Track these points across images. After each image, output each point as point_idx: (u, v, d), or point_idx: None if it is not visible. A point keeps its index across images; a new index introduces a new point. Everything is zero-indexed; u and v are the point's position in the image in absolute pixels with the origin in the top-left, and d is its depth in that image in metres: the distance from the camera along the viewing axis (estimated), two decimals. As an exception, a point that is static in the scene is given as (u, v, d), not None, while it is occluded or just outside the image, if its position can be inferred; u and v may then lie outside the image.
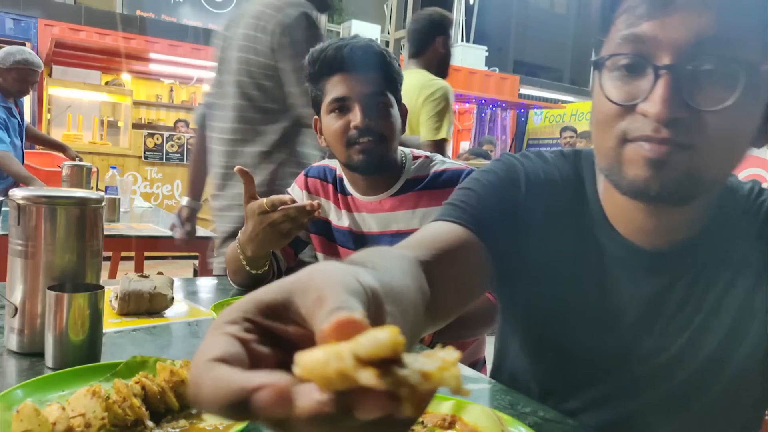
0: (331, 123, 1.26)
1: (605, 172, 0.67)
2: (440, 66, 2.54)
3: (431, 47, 2.51)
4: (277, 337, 0.29)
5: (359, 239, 1.36)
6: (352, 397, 0.24)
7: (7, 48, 3.17)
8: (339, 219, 1.38)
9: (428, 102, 2.38)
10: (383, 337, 0.25)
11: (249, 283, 1.34)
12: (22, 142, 3.37)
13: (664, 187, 0.60)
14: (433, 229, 0.74)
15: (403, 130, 1.34)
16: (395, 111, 1.28)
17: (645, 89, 0.60)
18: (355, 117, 1.21)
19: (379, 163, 1.25)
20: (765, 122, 0.62)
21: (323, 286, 0.29)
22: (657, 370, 0.73)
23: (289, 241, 1.25)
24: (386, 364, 0.24)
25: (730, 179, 0.74)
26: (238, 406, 0.24)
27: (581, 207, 0.77)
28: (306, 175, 1.44)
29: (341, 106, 1.23)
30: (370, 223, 1.34)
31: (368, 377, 0.24)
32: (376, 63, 1.23)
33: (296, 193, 1.44)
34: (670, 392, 0.73)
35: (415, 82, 2.41)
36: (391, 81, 1.27)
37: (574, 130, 7.00)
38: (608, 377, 0.76)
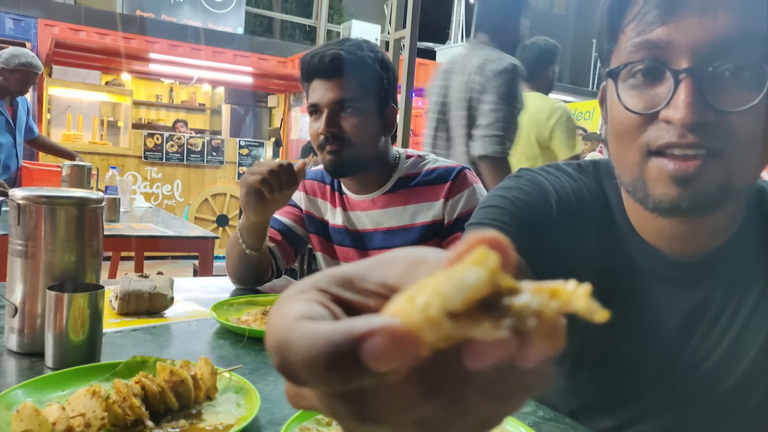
0: (309, 126, 1.33)
1: (629, 189, 0.65)
2: (549, 87, 2.92)
3: (544, 73, 2.86)
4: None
5: (354, 237, 1.38)
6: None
7: (11, 49, 3.23)
8: (335, 218, 1.41)
9: (559, 125, 2.72)
10: (474, 276, 0.19)
11: (247, 275, 1.35)
12: (14, 139, 3.38)
13: (694, 200, 0.58)
14: None
15: (389, 130, 1.35)
16: (366, 116, 1.28)
17: (666, 95, 0.57)
18: (321, 124, 1.27)
19: (345, 166, 1.29)
20: None
21: (413, 255, 0.25)
22: (695, 384, 0.71)
23: (271, 205, 1.25)
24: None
25: (758, 181, 0.72)
26: (343, 359, 0.20)
27: (610, 221, 0.74)
28: (304, 178, 1.48)
29: (314, 112, 1.29)
30: (363, 220, 1.37)
31: (484, 331, 0.19)
32: (348, 70, 1.26)
33: (294, 195, 1.48)
34: (708, 406, 0.71)
35: (538, 106, 2.75)
36: (370, 85, 1.28)
37: (584, 130, 6.97)
38: (644, 394, 0.74)
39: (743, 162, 0.59)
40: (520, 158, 2.59)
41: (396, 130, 1.38)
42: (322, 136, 1.27)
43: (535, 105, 2.69)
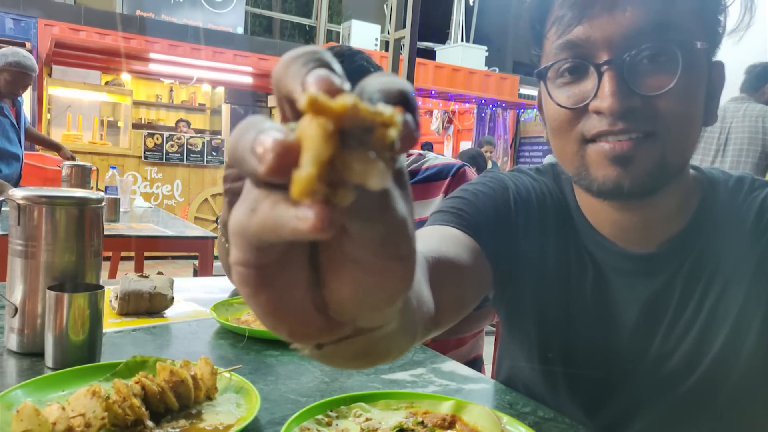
0: None
1: (574, 179, 0.69)
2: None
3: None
4: None
5: None
6: None
7: (4, 49, 3.15)
8: None
9: None
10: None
11: None
12: (20, 141, 3.36)
13: (635, 180, 0.62)
14: (430, 232, 0.71)
15: None
16: None
17: (592, 88, 0.62)
18: None
19: None
20: (709, 100, 0.65)
21: None
22: (667, 376, 0.71)
23: None
24: None
25: (712, 172, 0.75)
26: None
27: (567, 218, 0.78)
28: None
29: None
30: None
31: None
32: None
33: None
34: (678, 400, 0.71)
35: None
36: None
37: None
38: (620, 390, 0.74)
39: (676, 140, 0.63)
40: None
41: None
42: None
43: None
